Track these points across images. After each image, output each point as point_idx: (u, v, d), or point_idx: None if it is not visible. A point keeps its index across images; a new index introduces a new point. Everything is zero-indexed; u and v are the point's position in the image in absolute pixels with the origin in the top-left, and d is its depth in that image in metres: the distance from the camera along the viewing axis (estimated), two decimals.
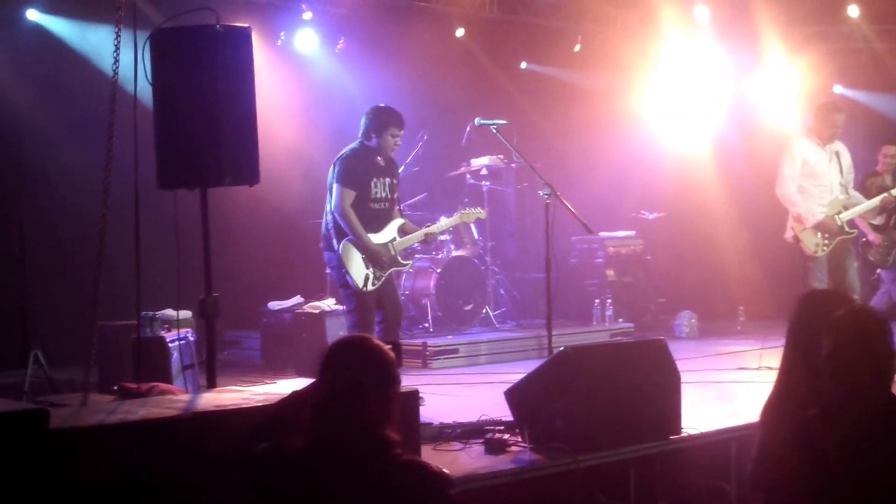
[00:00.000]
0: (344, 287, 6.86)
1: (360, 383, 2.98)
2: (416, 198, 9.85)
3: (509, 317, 10.43)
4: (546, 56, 11.82)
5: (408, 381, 3.28)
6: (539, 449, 5.02)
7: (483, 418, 5.54)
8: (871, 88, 12.16)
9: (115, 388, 5.50)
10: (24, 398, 6.87)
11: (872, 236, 9.20)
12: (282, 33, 10.21)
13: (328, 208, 6.87)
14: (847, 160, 8.52)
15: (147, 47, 5.13)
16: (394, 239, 7.01)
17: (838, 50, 12.00)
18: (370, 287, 6.81)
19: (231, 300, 8.25)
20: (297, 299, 9.24)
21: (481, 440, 5.22)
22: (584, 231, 7.09)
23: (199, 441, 3.88)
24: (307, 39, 10.30)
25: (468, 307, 9.77)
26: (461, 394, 7.36)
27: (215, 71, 5.08)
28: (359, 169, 6.81)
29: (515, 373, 6.21)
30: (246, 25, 5.31)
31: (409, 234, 7.17)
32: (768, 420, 3.74)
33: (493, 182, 10.52)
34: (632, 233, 11.27)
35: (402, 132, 6.97)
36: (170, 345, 6.92)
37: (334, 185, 6.78)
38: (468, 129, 9.94)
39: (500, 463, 4.89)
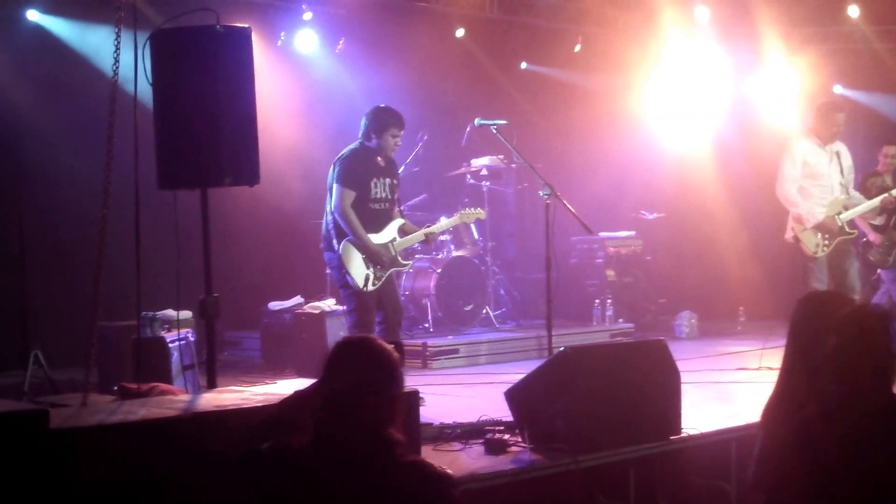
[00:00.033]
0: (344, 287, 6.86)
1: (364, 383, 2.98)
2: (416, 199, 9.85)
3: (509, 317, 10.43)
4: (546, 57, 11.83)
5: (408, 382, 3.28)
6: (539, 449, 5.02)
7: (483, 418, 5.54)
8: (871, 89, 12.16)
9: (116, 388, 5.50)
10: (25, 398, 6.87)
11: (873, 236, 9.19)
12: (282, 34, 10.21)
13: (328, 209, 6.87)
14: (847, 160, 8.52)
15: (147, 48, 5.13)
16: (394, 239, 7.01)
17: (838, 50, 12.01)
18: (370, 287, 6.81)
19: (231, 300, 8.26)
20: (298, 299, 9.24)
21: (481, 440, 5.22)
22: (584, 231, 7.09)
23: (199, 441, 3.88)
24: (307, 40, 10.30)
25: (468, 307, 9.77)
26: (461, 394, 7.36)
27: (215, 71, 5.08)
28: (359, 169, 6.81)
29: (515, 373, 6.21)
30: (246, 26, 5.31)
31: (409, 234, 7.17)
32: (769, 421, 3.74)
33: (494, 182, 10.52)
34: (632, 233, 11.27)
35: (403, 132, 6.97)
36: (170, 345, 6.92)
37: (334, 186, 6.78)
38: (468, 129, 9.95)
39: (500, 463, 4.89)
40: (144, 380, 5.21)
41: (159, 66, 5.13)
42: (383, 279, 6.87)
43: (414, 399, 4.51)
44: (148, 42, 5.14)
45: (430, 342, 8.98)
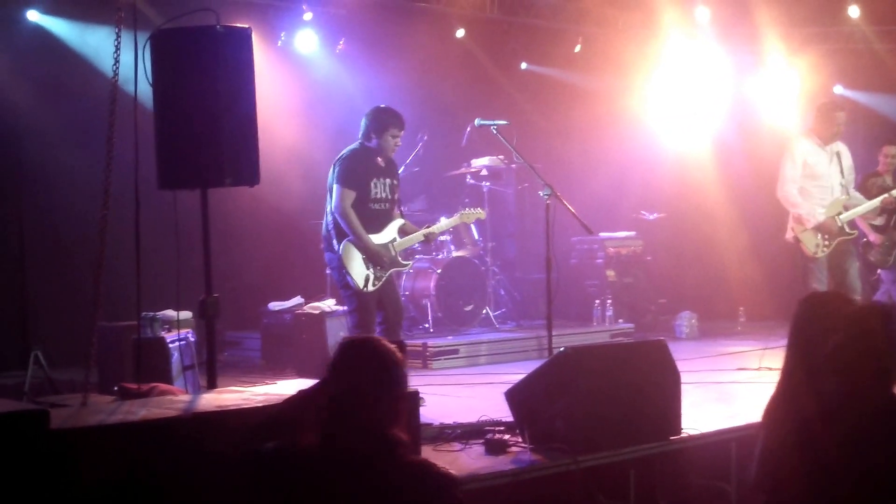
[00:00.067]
0: (345, 288, 6.86)
1: (369, 383, 2.99)
2: (415, 203, 9.85)
3: (509, 317, 10.43)
4: (546, 57, 11.83)
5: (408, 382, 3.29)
6: (539, 449, 5.01)
7: (483, 419, 5.54)
8: (871, 89, 12.16)
9: (116, 388, 5.51)
10: (25, 399, 6.87)
11: (873, 237, 9.19)
12: (282, 34, 10.21)
13: (329, 209, 6.87)
14: (848, 160, 8.52)
15: (147, 48, 5.14)
16: (394, 239, 7.01)
17: (839, 51, 12.01)
18: (371, 287, 6.81)
19: (231, 301, 8.26)
20: (298, 300, 9.25)
21: (481, 441, 5.22)
22: (584, 231, 7.09)
23: (199, 441, 3.88)
24: (307, 40, 10.30)
25: (468, 308, 9.77)
26: (461, 394, 7.36)
27: (216, 71, 5.08)
28: (359, 169, 6.81)
29: (515, 373, 6.20)
30: (246, 26, 5.31)
31: (409, 234, 7.17)
32: (770, 421, 3.74)
33: (494, 182, 10.52)
34: (632, 233, 11.28)
35: (403, 133, 6.97)
36: (170, 345, 6.92)
37: (334, 186, 6.78)
38: (468, 129, 9.94)
39: (501, 463, 4.89)
40: (145, 380, 5.21)
41: (159, 67, 5.14)
42: (383, 279, 6.87)
43: (414, 399, 4.51)
44: (148, 42, 5.15)
45: (430, 342, 8.98)
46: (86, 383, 4.93)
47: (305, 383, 4.12)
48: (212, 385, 5.15)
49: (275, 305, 9.27)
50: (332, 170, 6.86)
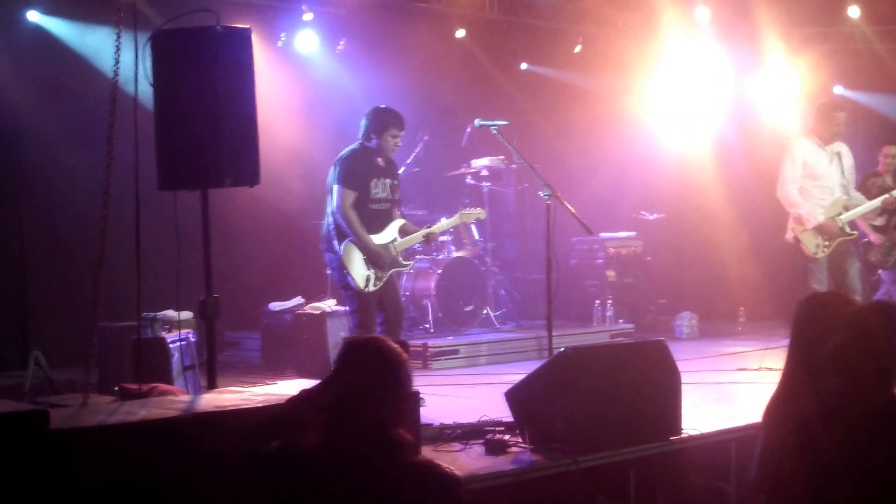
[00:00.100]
0: (345, 288, 6.86)
1: (373, 383, 2.99)
2: (416, 203, 9.85)
3: (510, 317, 10.43)
4: (546, 57, 11.83)
5: None
6: (539, 450, 5.01)
7: (483, 419, 5.54)
8: (871, 89, 12.16)
9: (116, 388, 5.52)
10: (25, 399, 6.87)
11: (873, 237, 9.19)
12: (282, 34, 10.21)
13: (329, 210, 6.87)
14: (848, 161, 8.52)
15: (147, 48, 5.14)
16: (394, 239, 7.02)
17: (839, 51, 12.01)
18: (371, 288, 6.81)
19: (231, 301, 8.26)
20: (298, 300, 9.24)
21: (481, 441, 5.22)
22: (584, 232, 7.09)
23: (199, 442, 3.89)
24: (307, 40, 10.30)
25: (468, 308, 9.77)
26: (461, 394, 7.36)
27: (216, 72, 5.09)
28: (359, 170, 6.82)
29: (516, 373, 6.20)
30: (246, 26, 5.32)
31: (409, 234, 7.17)
32: (770, 421, 3.75)
33: (494, 183, 10.52)
34: (632, 233, 11.28)
35: (403, 133, 6.97)
36: (170, 346, 6.92)
37: (334, 187, 6.78)
38: (468, 129, 9.94)
39: (501, 464, 4.89)
40: (145, 380, 5.21)
41: (159, 67, 5.14)
42: (384, 280, 6.87)
43: (414, 399, 4.51)
44: (148, 43, 5.15)
45: (430, 343, 8.98)
46: (86, 383, 4.94)
47: (306, 384, 4.12)
48: (212, 385, 5.15)
49: (275, 306, 9.27)
50: (331, 170, 6.87)
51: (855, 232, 8.54)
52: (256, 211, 9.60)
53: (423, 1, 10.56)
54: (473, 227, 10.26)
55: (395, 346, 3.10)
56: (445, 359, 8.93)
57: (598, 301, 10.50)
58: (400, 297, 7.29)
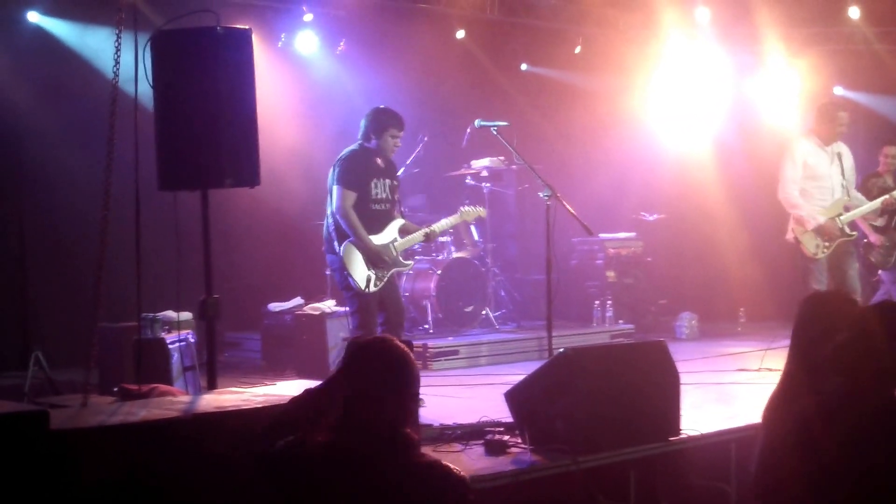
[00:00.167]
0: (346, 289, 6.86)
1: (383, 383, 3.00)
2: (416, 203, 9.84)
3: (510, 318, 10.43)
4: (547, 58, 11.83)
5: None
6: (539, 450, 5.01)
7: (483, 419, 5.54)
8: (871, 90, 12.16)
9: (116, 389, 5.52)
10: (25, 399, 6.88)
11: (874, 237, 9.20)
12: (282, 35, 10.21)
13: (329, 211, 6.87)
14: (849, 161, 8.52)
15: (148, 49, 5.14)
16: (395, 239, 7.02)
17: (839, 51, 12.00)
18: (373, 288, 6.81)
19: (231, 301, 8.27)
20: (298, 301, 9.25)
21: (481, 441, 5.22)
22: (584, 232, 7.09)
23: (199, 442, 3.89)
24: (308, 41, 10.30)
25: (468, 308, 9.77)
26: (461, 395, 7.36)
27: (216, 73, 5.09)
28: (358, 170, 6.82)
29: (516, 374, 6.20)
30: (246, 27, 5.32)
31: (410, 234, 7.18)
32: (770, 421, 3.75)
33: (494, 184, 10.52)
34: (632, 234, 11.28)
35: (402, 133, 6.97)
36: (170, 346, 6.93)
37: (334, 187, 6.78)
38: (468, 130, 9.94)
39: (501, 464, 4.89)
40: (145, 381, 5.22)
41: (160, 68, 5.14)
42: (385, 280, 6.87)
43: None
44: (148, 43, 5.15)
45: (430, 343, 8.98)
46: (86, 384, 4.94)
47: (306, 384, 4.12)
48: (212, 386, 5.16)
49: (275, 306, 9.27)
50: (331, 171, 6.87)
51: (855, 233, 8.54)
52: (256, 211, 9.61)
53: (423, 2, 10.55)
54: (473, 228, 10.26)
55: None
56: (445, 359, 8.93)
57: (598, 302, 10.49)
58: (401, 298, 7.29)
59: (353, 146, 6.94)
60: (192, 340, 7.14)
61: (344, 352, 3.19)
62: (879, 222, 9.15)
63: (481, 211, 8.33)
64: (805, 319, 3.80)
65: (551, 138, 11.53)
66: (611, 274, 10.87)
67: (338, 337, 8.47)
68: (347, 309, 7.20)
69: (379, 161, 6.91)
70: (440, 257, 9.79)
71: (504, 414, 5.40)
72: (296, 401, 3.40)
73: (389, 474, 2.92)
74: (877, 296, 9.71)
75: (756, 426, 3.93)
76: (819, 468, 3.25)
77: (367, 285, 6.79)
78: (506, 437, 5.22)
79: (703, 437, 5.43)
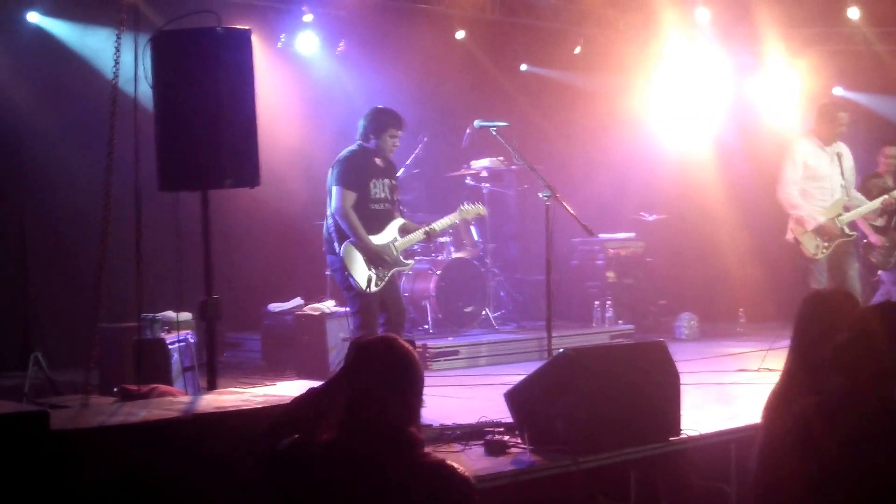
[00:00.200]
0: (347, 290, 6.86)
1: (387, 382, 3.00)
2: (415, 204, 9.84)
3: (510, 318, 10.43)
4: (547, 58, 11.83)
5: None
6: (539, 450, 5.01)
7: (483, 420, 5.53)
8: (871, 90, 12.16)
9: (116, 389, 5.52)
10: (25, 400, 6.87)
11: (874, 238, 9.20)
12: (282, 35, 10.21)
13: (329, 211, 6.87)
14: (849, 161, 8.52)
15: (148, 50, 5.14)
16: (395, 239, 7.02)
17: (839, 52, 12.01)
18: (374, 288, 6.81)
19: (232, 302, 8.26)
20: (298, 301, 9.25)
21: (481, 442, 5.21)
22: (584, 233, 7.09)
23: (199, 443, 3.89)
24: (308, 41, 10.31)
25: (468, 309, 9.77)
26: (461, 395, 7.35)
27: (216, 73, 5.09)
28: (357, 170, 6.82)
29: (516, 374, 6.21)
30: (246, 28, 5.32)
31: (410, 233, 7.18)
32: (769, 420, 3.75)
33: (494, 184, 10.52)
34: (632, 234, 11.28)
35: (401, 133, 6.98)
36: (170, 347, 6.93)
37: (334, 188, 6.78)
38: (468, 131, 9.93)
39: (501, 464, 4.89)
40: (145, 381, 5.22)
41: (160, 68, 5.15)
42: (386, 280, 6.88)
43: None
44: (148, 44, 5.16)
45: (430, 343, 8.98)
46: (86, 384, 4.95)
47: (306, 385, 4.12)
48: (212, 386, 5.16)
49: (275, 307, 9.27)
50: (330, 172, 6.87)
51: (854, 233, 8.54)
52: (257, 212, 9.61)
53: (423, 2, 10.56)
54: (473, 229, 10.26)
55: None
56: (445, 360, 8.93)
57: (598, 302, 10.49)
58: (401, 298, 7.30)
59: (351, 146, 6.94)
60: (192, 341, 7.14)
61: (347, 351, 3.17)
62: (879, 222, 9.15)
63: (481, 209, 8.32)
64: (805, 319, 3.80)
65: (551, 139, 11.53)
66: (611, 274, 10.87)
67: (338, 337, 8.47)
68: (348, 309, 7.20)
69: (378, 161, 6.91)
70: (440, 258, 9.79)
71: (504, 414, 5.40)
72: (298, 400, 3.40)
73: (394, 474, 2.92)
74: (877, 296, 9.71)
75: (756, 426, 3.93)
76: (819, 468, 3.24)
77: (369, 285, 6.79)
78: (506, 438, 5.22)
79: (703, 437, 5.43)
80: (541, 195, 6.77)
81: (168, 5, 6.56)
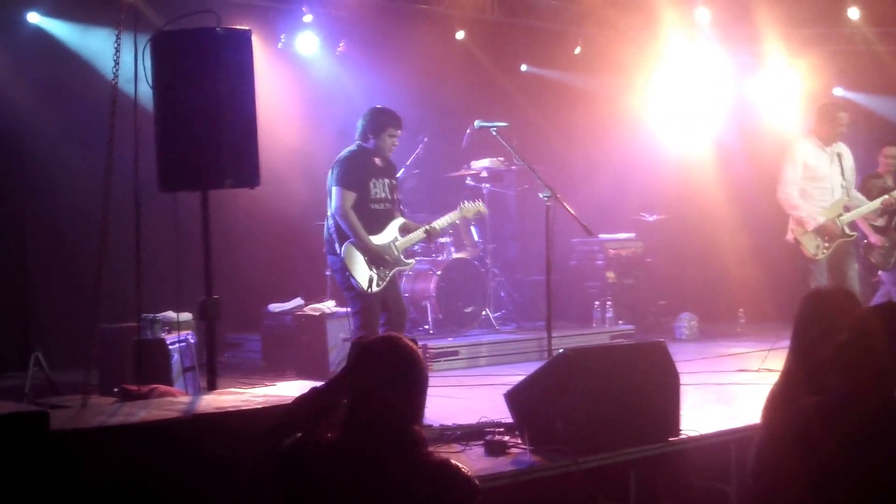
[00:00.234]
0: (348, 290, 6.86)
1: (391, 381, 3.00)
2: (415, 203, 9.84)
3: (510, 319, 10.43)
4: (547, 59, 11.83)
5: None
6: (539, 451, 5.02)
7: (483, 420, 5.54)
8: (871, 91, 12.16)
9: (116, 390, 5.51)
10: (25, 400, 6.87)
11: (874, 238, 9.19)
12: (282, 36, 10.22)
13: (329, 212, 6.87)
14: (849, 161, 8.52)
15: (148, 50, 5.14)
16: (396, 238, 7.03)
17: (839, 52, 12.01)
18: (375, 288, 6.81)
19: (232, 302, 8.24)
20: (298, 301, 9.25)
21: (481, 442, 5.22)
22: (584, 233, 7.09)
23: (199, 443, 3.89)
24: (308, 42, 10.31)
25: (468, 309, 9.77)
26: (461, 395, 7.35)
27: (216, 73, 5.09)
28: (357, 171, 6.83)
29: (516, 375, 6.19)
30: (246, 28, 5.32)
31: (410, 232, 7.18)
32: (769, 419, 3.75)
33: (494, 184, 10.52)
34: (632, 235, 11.28)
35: (400, 133, 6.98)
36: (170, 347, 6.93)
37: (333, 189, 6.79)
38: (468, 131, 9.92)
39: (501, 465, 4.89)
40: (145, 381, 5.22)
41: (160, 69, 5.15)
42: (387, 279, 6.88)
43: None
44: (148, 44, 5.16)
45: (430, 344, 8.98)
46: (86, 385, 4.94)
47: (306, 385, 4.12)
48: (212, 386, 5.16)
49: (275, 307, 9.28)
50: (330, 172, 6.88)
51: (855, 233, 8.54)
52: (257, 212, 9.60)
53: (423, 2, 10.56)
54: (473, 229, 10.26)
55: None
56: (445, 360, 8.93)
57: (598, 302, 10.49)
58: (402, 298, 7.30)
59: (351, 147, 6.95)
60: (193, 341, 7.14)
61: (349, 351, 3.18)
62: (879, 223, 9.15)
63: (481, 206, 8.31)
64: (805, 318, 3.80)
65: (551, 139, 11.53)
66: (611, 275, 10.87)
67: (338, 338, 8.47)
68: (349, 309, 7.20)
69: (377, 161, 6.91)
70: (440, 258, 9.79)
71: (504, 414, 5.41)
72: (300, 400, 3.40)
73: (397, 473, 2.92)
74: (877, 296, 9.70)
75: (756, 427, 3.93)
76: (819, 468, 3.24)
77: (370, 286, 6.79)
78: (506, 438, 5.22)
79: (703, 437, 5.43)
80: (541, 195, 6.77)
81: (168, 5, 6.56)
